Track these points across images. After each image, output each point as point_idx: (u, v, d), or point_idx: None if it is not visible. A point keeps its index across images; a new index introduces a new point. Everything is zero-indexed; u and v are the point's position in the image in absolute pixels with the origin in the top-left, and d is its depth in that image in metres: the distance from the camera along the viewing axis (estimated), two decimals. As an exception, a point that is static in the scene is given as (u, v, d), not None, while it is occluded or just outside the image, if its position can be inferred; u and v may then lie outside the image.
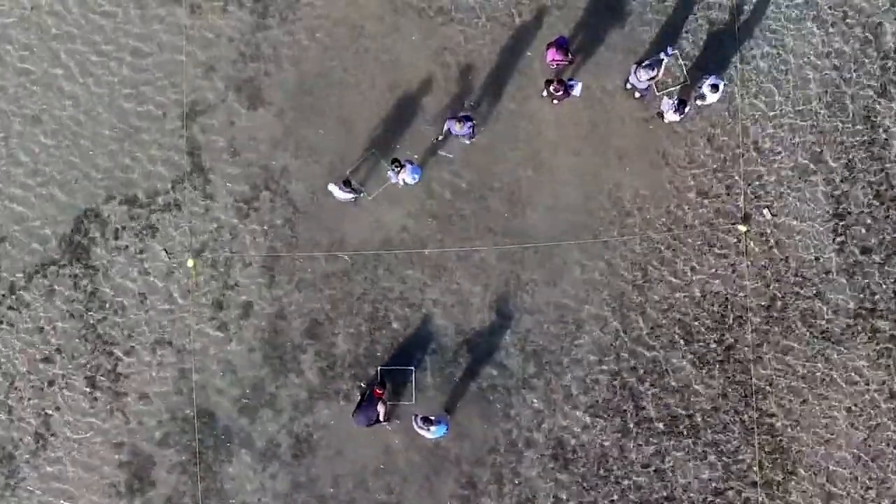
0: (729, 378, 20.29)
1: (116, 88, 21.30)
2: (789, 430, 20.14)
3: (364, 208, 20.90)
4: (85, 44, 21.38)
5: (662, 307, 20.47)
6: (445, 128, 20.14)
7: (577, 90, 20.02)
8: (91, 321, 20.93)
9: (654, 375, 20.35)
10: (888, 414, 20.10)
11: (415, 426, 19.10)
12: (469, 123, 19.64)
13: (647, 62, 19.70)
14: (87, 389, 20.84)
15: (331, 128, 21.07)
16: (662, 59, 19.83)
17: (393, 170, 19.68)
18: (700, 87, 20.00)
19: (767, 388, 20.26)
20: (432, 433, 18.96)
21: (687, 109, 19.76)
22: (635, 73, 19.73)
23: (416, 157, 20.74)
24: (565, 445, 20.28)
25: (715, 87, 19.46)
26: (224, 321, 20.81)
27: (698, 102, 20.31)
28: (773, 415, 20.19)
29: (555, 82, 19.53)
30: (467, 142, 20.56)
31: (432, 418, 18.86)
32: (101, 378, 20.83)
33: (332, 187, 20.03)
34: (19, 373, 20.89)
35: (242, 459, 20.58)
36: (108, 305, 20.95)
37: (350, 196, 20.21)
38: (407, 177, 19.92)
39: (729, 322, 20.41)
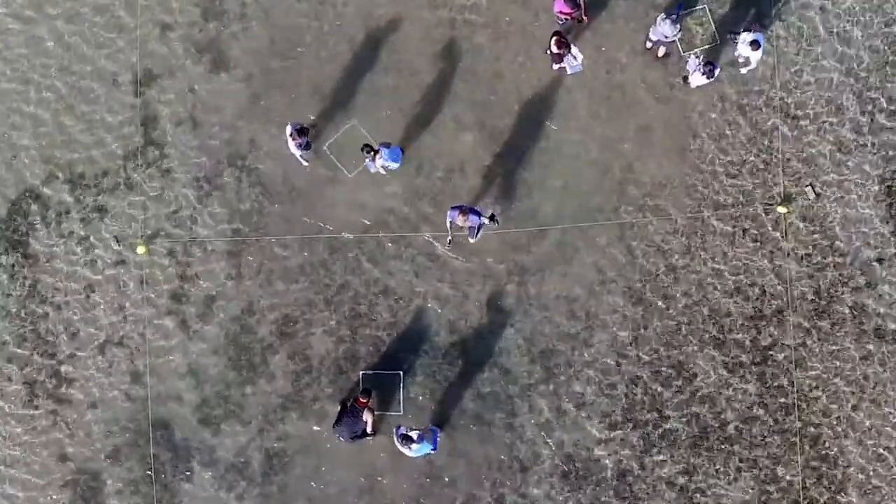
0: (767, 383, 17.61)
1: (58, 51, 18.61)
2: (837, 442, 17.44)
3: (344, 188, 18.20)
4: (23, -1, 18.75)
5: (689, 301, 17.76)
6: (448, 220, 16.90)
7: (576, 64, 17.34)
8: (30, 318, 18.24)
9: (680, 380, 17.65)
10: (953, 424, 17.44)
11: (396, 442, 16.38)
12: (476, 219, 16.58)
13: (672, 15, 16.97)
14: (26, 397, 18.15)
15: (305, 95, 18.36)
16: (690, 11, 17.27)
17: (367, 156, 17.03)
18: (736, 46, 17.34)
19: (811, 393, 17.56)
20: (414, 451, 16.22)
21: (716, 72, 17.08)
22: (658, 26, 17.05)
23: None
24: (577, 462, 17.57)
25: (755, 44, 16.74)
26: (183, 318, 18.12)
27: (741, 69, 17.69)
28: (818, 425, 17.51)
29: (555, 40, 16.81)
30: (471, 239, 17.62)
31: (413, 435, 16.05)
32: (43, 383, 18.15)
33: (288, 130, 17.21)
34: (-53, 378, 18.26)
35: (204, 478, 17.90)
36: (49, 300, 18.25)
37: (299, 152, 17.49)
38: (384, 162, 17.21)
39: (767, 318, 17.70)
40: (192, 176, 18.30)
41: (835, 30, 18.07)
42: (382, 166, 17.36)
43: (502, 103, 18.20)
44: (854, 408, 17.50)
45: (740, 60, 17.67)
